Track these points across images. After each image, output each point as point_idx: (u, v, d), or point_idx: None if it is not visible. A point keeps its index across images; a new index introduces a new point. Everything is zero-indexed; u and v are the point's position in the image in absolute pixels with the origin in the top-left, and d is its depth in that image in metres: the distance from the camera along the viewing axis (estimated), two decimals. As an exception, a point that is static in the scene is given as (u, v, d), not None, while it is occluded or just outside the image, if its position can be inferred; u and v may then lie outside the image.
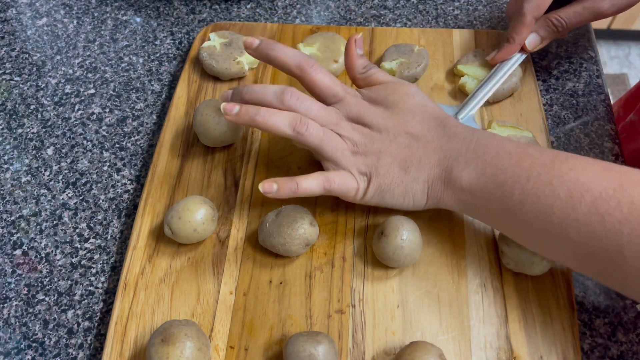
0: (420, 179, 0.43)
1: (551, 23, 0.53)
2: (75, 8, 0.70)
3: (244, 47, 0.46)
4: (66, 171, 0.55)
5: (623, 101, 0.75)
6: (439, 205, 0.44)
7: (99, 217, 0.52)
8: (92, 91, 0.62)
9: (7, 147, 0.57)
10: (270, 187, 0.42)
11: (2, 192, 0.54)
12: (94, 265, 0.50)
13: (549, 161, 0.38)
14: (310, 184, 0.43)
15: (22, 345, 0.46)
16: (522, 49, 0.55)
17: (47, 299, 0.48)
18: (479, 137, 0.42)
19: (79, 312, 0.47)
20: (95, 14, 0.69)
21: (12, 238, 0.51)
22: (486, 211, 0.41)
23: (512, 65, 0.55)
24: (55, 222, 0.52)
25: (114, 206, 0.53)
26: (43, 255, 0.50)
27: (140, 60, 0.64)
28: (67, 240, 0.51)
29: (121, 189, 0.54)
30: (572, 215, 0.36)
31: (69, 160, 0.56)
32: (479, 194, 0.40)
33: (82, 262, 0.50)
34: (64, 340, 0.46)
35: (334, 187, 0.43)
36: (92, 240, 0.51)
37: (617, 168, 0.37)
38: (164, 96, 0.61)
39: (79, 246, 0.51)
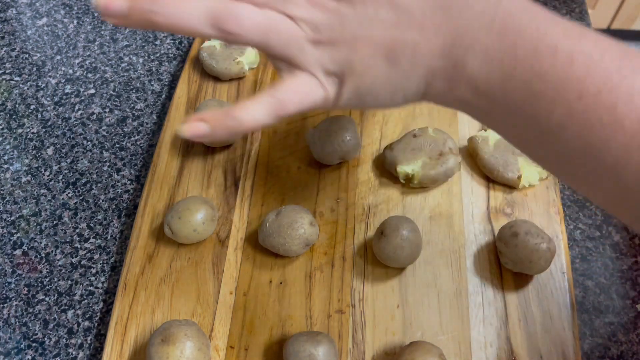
0: (415, 73, 0.30)
1: None
2: (75, 8, 0.70)
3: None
4: (66, 171, 0.55)
5: None
6: (439, 104, 0.32)
7: (99, 217, 0.52)
8: (92, 91, 0.62)
9: (7, 147, 0.57)
10: (197, 129, 0.29)
11: (2, 192, 0.54)
12: (94, 265, 0.50)
13: (615, 71, 0.26)
14: (256, 114, 0.30)
15: (22, 345, 0.46)
16: None
17: (47, 299, 0.48)
18: (505, 11, 0.28)
19: (79, 312, 0.47)
20: (95, 14, 0.69)
21: (12, 238, 0.51)
22: (508, 126, 0.30)
23: None
24: (55, 222, 0.52)
25: (114, 206, 0.53)
26: (43, 255, 0.50)
27: (140, 60, 0.64)
28: (67, 240, 0.51)
29: (121, 189, 0.54)
30: (637, 157, 0.26)
31: (69, 160, 0.56)
32: (502, 102, 0.28)
33: (82, 262, 0.50)
34: (64, 340, 0.46)
35: (290, 109, 0.30)
36: (92, 240, 0.51)
37: None
38: (164, 96, 0.61)
39: (79, 246, 0.51)
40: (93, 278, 0.49)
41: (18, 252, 0.51)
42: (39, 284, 0.49)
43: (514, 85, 0.28)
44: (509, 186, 0.51)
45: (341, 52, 0.30)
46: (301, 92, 0.30)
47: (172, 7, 0.28)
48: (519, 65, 0.27)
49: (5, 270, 0.49)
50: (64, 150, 0.57)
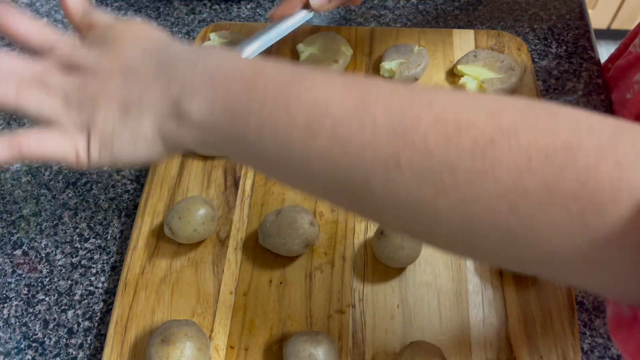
0: (145, 117, 0.34)
1: None
2: (76, 8, 0.70)
3: None
4: (66, 171, 0.55)
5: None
6: (181, 148, 0.36)
7: (99, 217, 0.52)
8: None
9: (7, 147, 0.57)
10: None
11: (2, 192, 0.54)
12: (94, 265, 0.50)
13: (286, 80, 0.32)
14: None
15: (22, 345, 0.46)
16: (308, 7, 0.49)
17: (47, 298, 0.48)
18: (207, 56, 0.34)
19: (79, 312, 0.47)
20: (96, 14, 0.69)
21: (12, 238, 0.51)
22: (231, 149, 0.34)
23: (295, 23, 0.50)
24: (55, 222, 0.52)
25: (114, 206, 0.53)
26: (43, 255, 0.50)
27: (140, 60, 0.64)
28: (67, 240, 0.51)
29: (121, 189, 0.54)
30: (314, 145, 0.30)
31: (69, 160, 0.56)
32: (215, 130, 0.33)
33: (82, 262, 0.50)
34: (64, 340, 0.46)
35: (30, 150, 0.34)
36: (92, 240, 0.51)
37: (361, 82, 0.31)
38: (164, 96, 0.61)
39: (79, 246, 0.51)
40: (93, 278, 0.49)
41: (18, 252, 0.51)
42: (39, 284, 0.49)
43: (217, 110, 0.32)
44: (509, 186, 0.51)
45: (86, 109, 0.35)
46: (44, 136, 0.35)
47: None
48: (218, 92, 0.32)
49: (6, 270, 0.49)
50: (64, 150, 0.57)
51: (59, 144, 0.35)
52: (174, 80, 0.34)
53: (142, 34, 0.37)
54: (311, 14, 0.50)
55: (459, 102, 0.29)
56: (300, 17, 0.49)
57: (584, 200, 0.24)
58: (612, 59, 0.68)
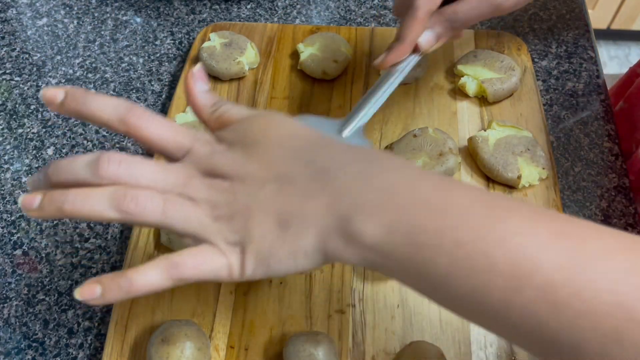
0: (308, 233, 0.31)
1: (446, 18, 0.44)
2: (76, 8, 0.70)
3: (44, 101, 0.34)
4: (66, 171, 0.55)
5: (614, 89, 0.75)
6: (342, 262, 0.32)
7: (99, 217, 0.52)
8: (93, 91, 0.62)
9: (8, 147, 0.57)
10: (92, 292, 0.30)
11: (2, 192, 0.54)
12: (94, 265, 0.50)
13: (483, 217, 0.29)
14: (149, 276, 0.31)
15: (22, 345, 0.46)
16: (416, 49, 0.46)
17: (47, 298, 0.48)
18: (380, 171, 0.31)
19: (79, 312, 0.47)
20: (96, 14, 0.69)
21: (12, 238, 0.51)
22: (405, 277, 0.31)
23: (405, 68, 0.46)
24: (55, 222, 0.52)
25: (114, 206, 0.53)
26: (43, 255, 0.50)
27: (141, 60, 0.64)
28: (67, 240, 0.51)
29: (121, 189, 0.54)
30: (517, 300, 0.27)
31: (69, 160, 0.56)
32: (392, 256, 0.30)
33: (82, 262, 0.50)
34: (64, 340, 0.46)
35: (188, 272, 0.31)
36: (92, 240, 0.51)
37: (570, 232, 0.28)
38: (164, 96, 0.61)
39: (79, 246, 0.51)
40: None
41: (18, 252, 0.51)
42: (39, 284, 0.49)
43: (398, 237, 0.29)
44: (509, 186, 0.51)
45: (238, 222, 0.32)
46: (199, 258, 0.32)
47: (80, 199, 0.30)
48: (400, 219, 0.29)
49: (6, 270, 0.49)
50: (64, 151, 0.57)
51: (214, 264, 0.32)
52: (341, 194, 0.31)
53: (286, 131, 0.34)
54: (419, 57, 0.46)
55: None
56: (409, 61, 0.46)
57: None
58: (616, 94, 0.68)
